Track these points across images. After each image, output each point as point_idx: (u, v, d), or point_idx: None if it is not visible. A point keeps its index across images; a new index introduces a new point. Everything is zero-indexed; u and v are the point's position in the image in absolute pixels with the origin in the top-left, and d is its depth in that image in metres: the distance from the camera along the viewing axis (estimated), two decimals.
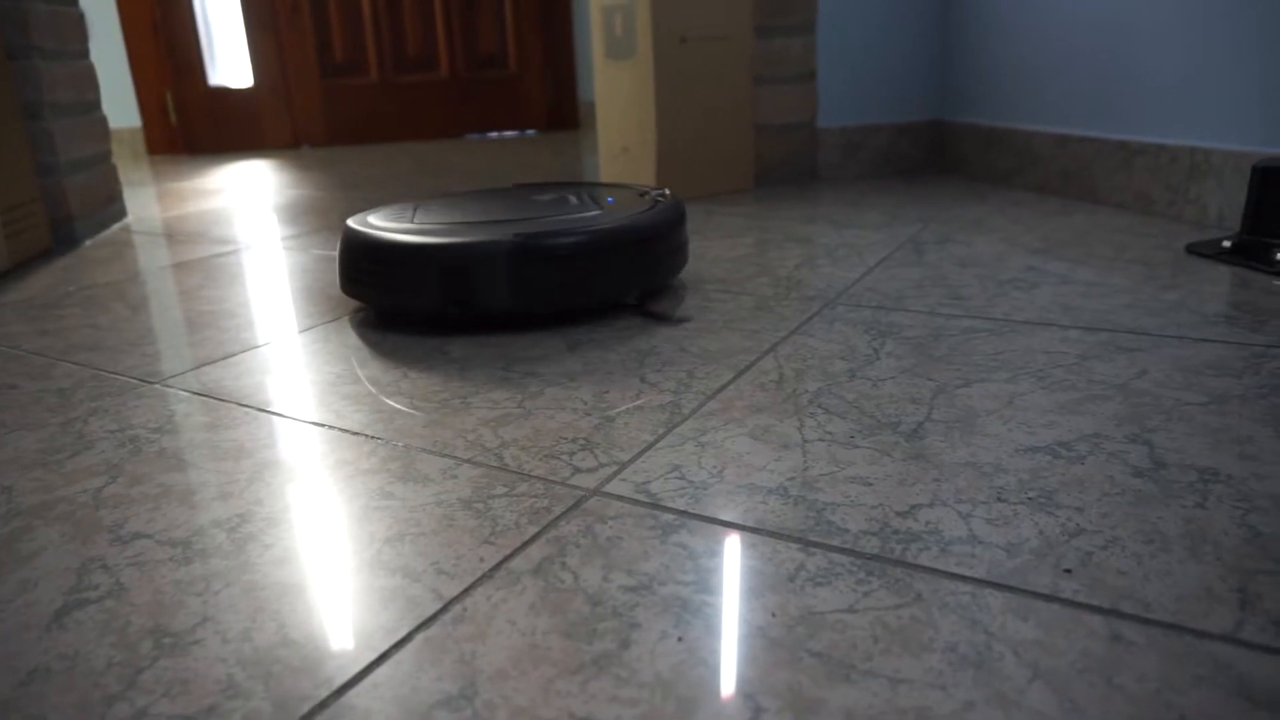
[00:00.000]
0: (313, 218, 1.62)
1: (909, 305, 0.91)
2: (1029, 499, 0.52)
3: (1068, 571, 0.45)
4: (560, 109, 3.42)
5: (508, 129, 3.38)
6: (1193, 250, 1.09)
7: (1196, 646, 0.39)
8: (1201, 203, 1.24)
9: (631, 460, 0.59)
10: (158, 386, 0.77)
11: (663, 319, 0.84)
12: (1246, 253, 1.04)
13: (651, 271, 0.93)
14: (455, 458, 0.61)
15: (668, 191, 1.03)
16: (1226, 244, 1.07)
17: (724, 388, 0.71)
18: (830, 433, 0.62)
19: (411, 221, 0.95)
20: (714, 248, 1.22)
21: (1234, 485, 0.53)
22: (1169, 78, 1.28)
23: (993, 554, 0.47)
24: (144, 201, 1.91)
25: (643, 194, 1.04)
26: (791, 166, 1.74)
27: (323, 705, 0.37)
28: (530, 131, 3.40)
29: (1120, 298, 0.91)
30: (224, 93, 2.97)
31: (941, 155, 1.82)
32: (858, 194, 1.60)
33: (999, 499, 0.52)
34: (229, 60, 3.01)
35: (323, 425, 0.67)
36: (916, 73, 1.78)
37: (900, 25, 1.74)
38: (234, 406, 0.72)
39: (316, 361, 0.82)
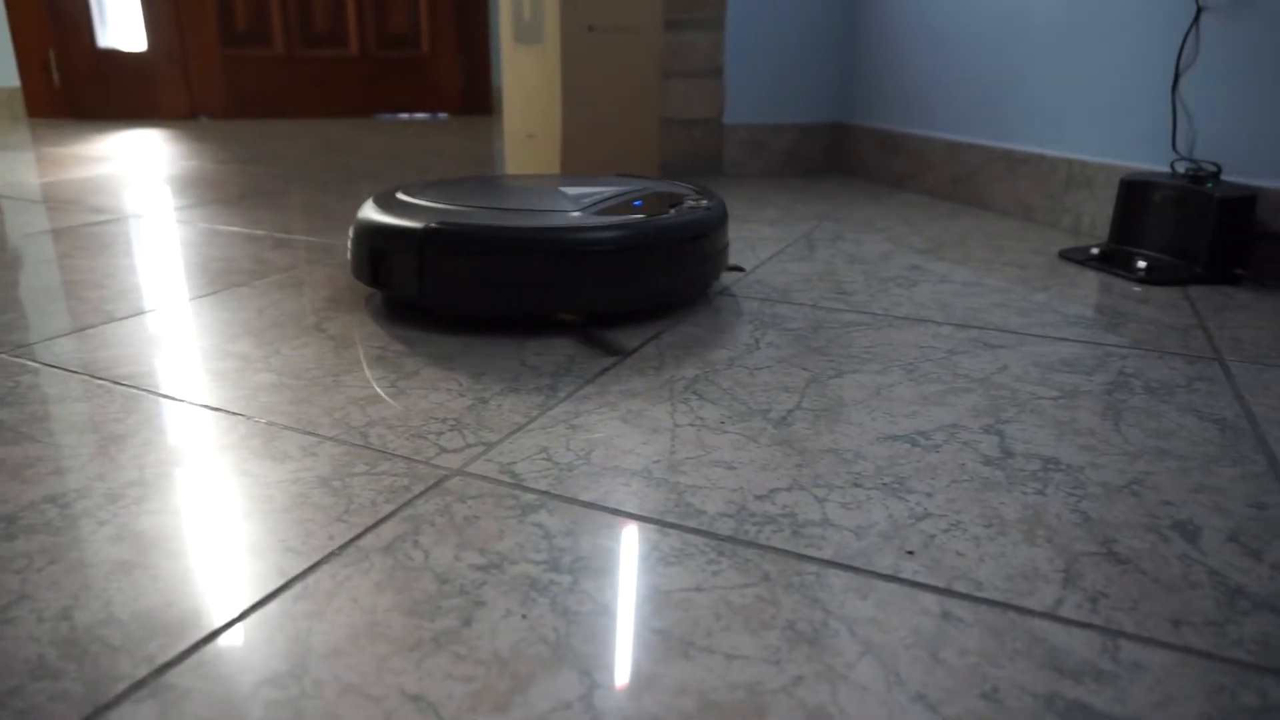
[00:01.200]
0: (203, 190, 1.55)
1: (794, 298, 0.93)
2: (883, 484, 0.54)
3: (910, 553, 0.46)
4: (473, 93, 3.37)
5: (419, 111, 3.31)
6: (1065, 256, 1.14)
7: (1018, 622, 0.41)
8: (1077, 211, 1.30)
9: (500, 441, 0.58)
10: (3, 357, 0.72)
11: (604, 348, 0.75)
12: (1112, 260, 1.10)
13: (590, 292, 0.80)
14: (318, 435, 0.59)
15: (705, 203, 0.91)
16: (1095, 251, 1.12)
17: (603, 373, 0.71)
18: (701, 418, 0.63)
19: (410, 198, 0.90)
20: None
21: (1072, 474, 0.55)
22: (1051, 92, 1.34)
23: (842, 536, 0.48)
24: (17, 166, 1.79)
25: (673, 204, 0.90)
26: (697, 161, 1.76)
27: (139, 684, 0.36)
28: (442, 115, 3.34)
29: (993, 297, 0.95)
30: (114, 55, 2.82)
31: (843, 157, 1.87)
32: (759, 190, 1.63)
33: (855, 484, 0.54)
34: (121, 21, 2.86)
35: (182, 400, 0.64)
36: (821, 76, 1.82)
37: (807, 28, 1.77)
38: (87, 379, 0.68)
39: (185, 335, 0.78)
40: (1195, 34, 1.11)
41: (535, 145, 1.62)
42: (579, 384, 0.68)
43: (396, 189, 0.94)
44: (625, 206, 0.88)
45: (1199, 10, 1.09)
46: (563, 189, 0.97)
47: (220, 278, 0.98)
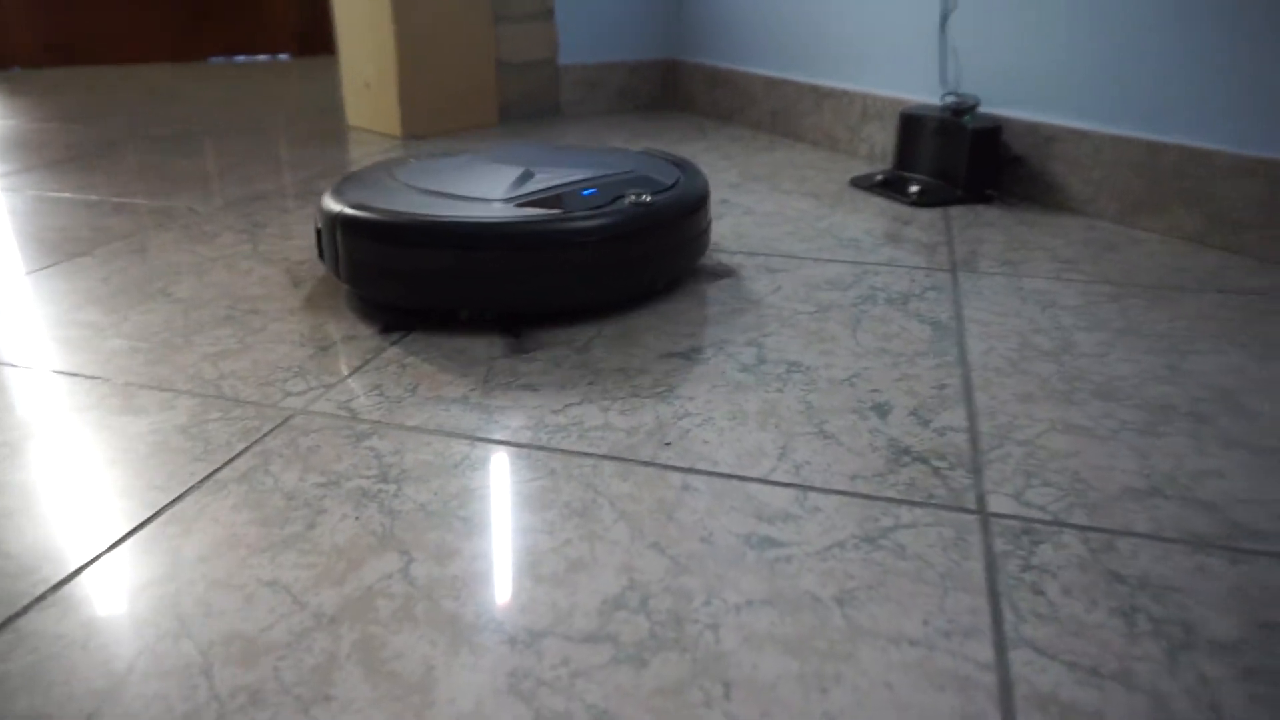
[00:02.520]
0: (26, 153, 1.52)
1: None
2: (657, 393, 0.66)
3: (667, 444, 0.59)
4: (314, 32, 3.27)
5: (256, 53, 3.20)
6: (854, 183, 1.30)
7: (738, 488, 0.55)
8: (871, 141, 1.46)
9: (338, 383, 0.68)
10: None
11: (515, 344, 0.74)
12: (892, 186, 1.26)
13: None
14: (174, 390, 0.67)
15: (647, 198, 0.81)
16: (879, 178, 1.28)
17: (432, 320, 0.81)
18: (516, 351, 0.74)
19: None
20: None
21: (808, 373, 0.70)
22: (850, 32, 1.48)
23: (616, 436, 0.60)
24: None
25: (622, 196, 0.82)
26: (535, 102, 1.83)
27: (40, 599, 0.45)
28: (283, 56, 3.23)
29: (786, 226, 1.09)
30: None
31: (675, 93, 1.97)
32: (595, 129, 1.72)
33: (634, 395, 0.66)
34: None
35: (32, 369, 0.70)
36: (652, 14, 1.90)
37: None
38: None
39: (31, 309, 0.83)
40: None
41: (373, 94, 1.65)
42: (410, 329, 0.78)
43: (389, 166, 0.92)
44: (571, 197, 0.82)
45: None
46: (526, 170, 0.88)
47: (59, 248, 1.01)
